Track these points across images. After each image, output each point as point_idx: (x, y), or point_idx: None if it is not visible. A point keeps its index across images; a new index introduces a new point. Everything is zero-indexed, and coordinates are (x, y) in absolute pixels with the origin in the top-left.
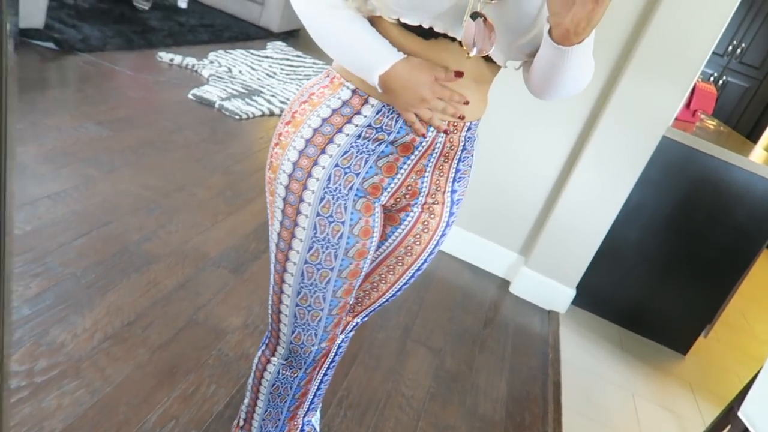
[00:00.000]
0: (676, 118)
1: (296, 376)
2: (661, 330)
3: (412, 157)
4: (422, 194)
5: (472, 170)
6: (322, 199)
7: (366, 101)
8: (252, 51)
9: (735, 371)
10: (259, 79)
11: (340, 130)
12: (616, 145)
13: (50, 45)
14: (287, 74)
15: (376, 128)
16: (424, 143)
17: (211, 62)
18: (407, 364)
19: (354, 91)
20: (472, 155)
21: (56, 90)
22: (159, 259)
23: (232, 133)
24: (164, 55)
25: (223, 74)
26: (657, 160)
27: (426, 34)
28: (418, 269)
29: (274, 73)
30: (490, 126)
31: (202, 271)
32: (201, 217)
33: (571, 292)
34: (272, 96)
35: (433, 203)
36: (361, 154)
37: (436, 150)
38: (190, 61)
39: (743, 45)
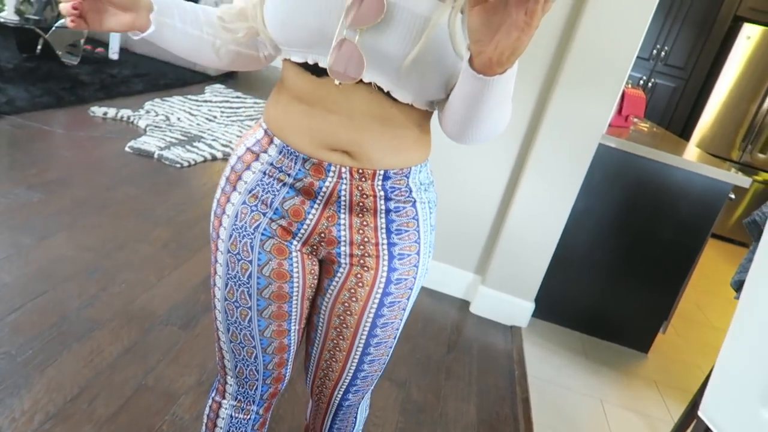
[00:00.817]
0: (610, 125)
1: (249, 418)
2: (621, 331)
3: (317, 202)
4: (342, 243)
5: (422, 223)
6: (230, 236)
7: (272, 141)
8: (189, 96)
9: (697, 364)
10: (198, 124)
11: (248, 167)
12: (556, 157)
13: None
14: (228, 116)
15: (277, 168)
16: (323, 189)
17: (148, 112)
18: (373, 400)
19: (265, 131)
20: (414, 207)
21: None
22: (102, 324)
23: (173, 183)
24: (97, 110)
25: (161, 123)
26: (597, 167)
27: (318, 71)
28: (371, 335)
29: (215, 117)
30: (433, 152)
31: (150, 332)
32: (145, 273)
33: (531, 306)
34: (213, 140)
35: (364, 255)
36: (266, 194)
37: (342, 197)
38: (125, 112)
39: (666, 48)
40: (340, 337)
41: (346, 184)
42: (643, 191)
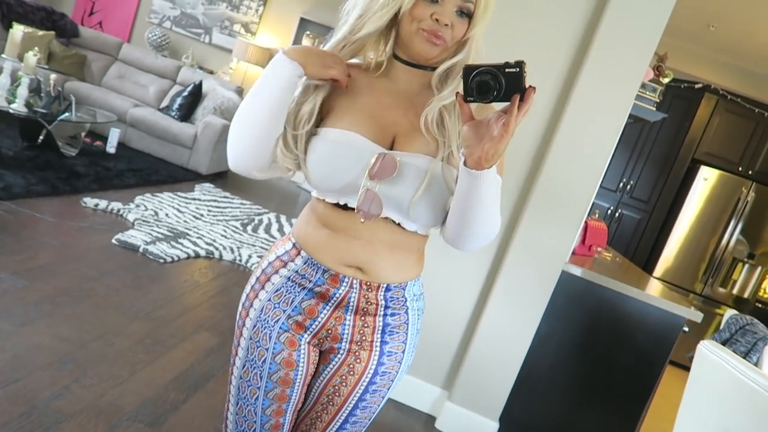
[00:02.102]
0: (574, 253)
1: None
2: None
3: (329, 305)
4: (344, 340)
5: (411, 327)
6: (254, 326)
7: (299, 253)
8: (179, 194)
9: None
10: (185, 221)
11: (276, 272)
12: (522, 281)
13: None
14: (214, 215)
15: (301, 275)
16: (337, 295)
17: (138, 206)
18: None
19: (294, 244)
20: (406, 313)
21: None
22: (70, 416)
23: (155, 278)
24: (89, 201)
25: (149, 218)
26: (560, 293)
27: (345, 208)
28: (351, 414)
29: (201, 215)
30: None
31: (117, 428)
32: (118, 368)
33: (495, 425)
34: (198, 238)
35: (359, 349)
36: (289, 294)
37: (351, 303)
38: (116, 205)
39: (632, 182)
40: (325, 411)
41: (355, 293)
42: (604, 318)
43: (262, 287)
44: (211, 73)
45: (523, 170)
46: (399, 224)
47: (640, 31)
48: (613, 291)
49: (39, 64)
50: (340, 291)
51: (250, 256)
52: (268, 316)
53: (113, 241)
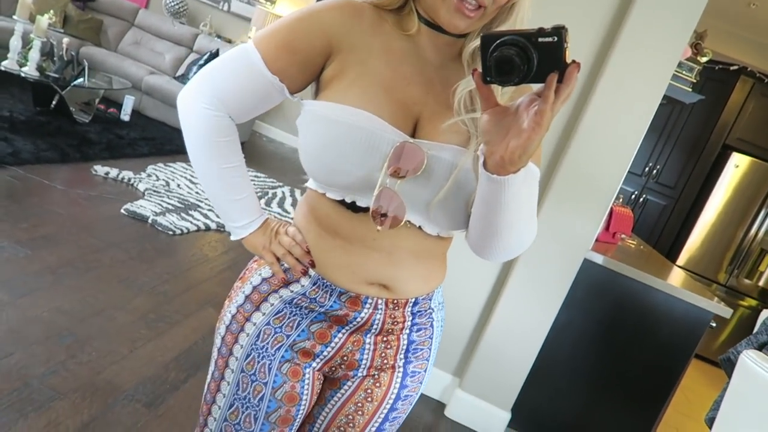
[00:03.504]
0: (598, 240)
1: None
2: None
3: (345, 328)
4: (362, 367)
5: (434, 341)
6: (248, 356)
7: (306, 271)
8: None
9: None
10: (197, 192)
11: (276, 291)
12: (542, 268)
13: None
14: None
15: (310, 299)
16: (358, 318)
17: (149, 176)
18: None
19: (297, 260)
20: (432, 326)
21: None
22: (64, 394)
23: (163, 250)
24: (99, 169)
25: (160, 188)
26: (581, 282)
27: (355, 208)
28: None
29: None
30: None
31: (113, 407)
32: (118, 344)
33: (507, 415)
34: (209, 210)
35: (380, 372)
36: (293, 315)
37: (374, 326)
38: (127, 174)
39: (658, 167)
40: None
41: (381, 314)
42: (626, 309)
43: (257, 308)
44: (229, 42)
45: (548, 151)
46: (420, 227)
47: (680, 4)
48: (637, 281)
49: (53, 27)
50: (362, 315)
51: None
52: (267, 344)
53: (122, 211)
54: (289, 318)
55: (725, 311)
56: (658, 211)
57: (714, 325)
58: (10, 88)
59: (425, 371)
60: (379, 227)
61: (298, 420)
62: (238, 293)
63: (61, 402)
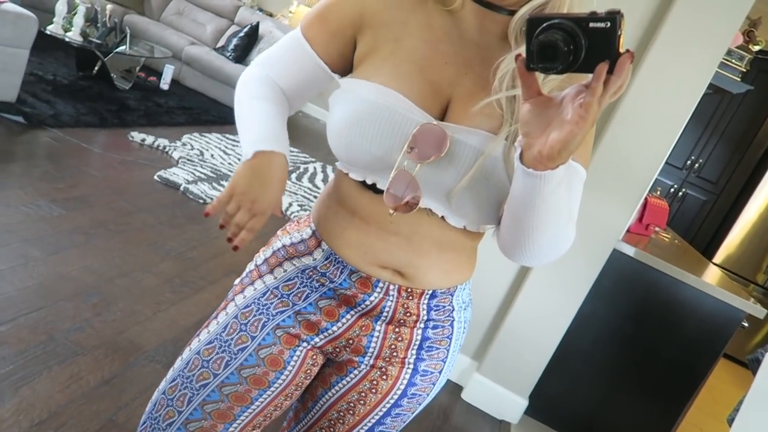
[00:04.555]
0: (630, 231)
1: None
2: None
3: (354, 311)
4: (368, 355)
5: (454, 343)
6: (246, 306)
7: (319, 245)
8: (228, 135)
9: None
10: (230, 163)
11: (290, 259)
12: (568, 256)
13: (19, 119)
14: None
15: (321, 272)
16: (367, 301)
17: (184, 144)
18: None
19: (314, 233)
20: (451, 326)
21: (15, 164)
22: (87, 350)
23: (192, 218)
24: (136, 135)
25: (194, 157)
26: (608, 272)
27: (375, 189)
28: None
29: None
30: None
31: (133, 366)
32: (142, 305)
33: (524, 402)
34: None
35: (388, 365)
36: (303, 287)
37: (384, 313)
38: (162, 142)
39: (701, 160)
40: (332, 428)
41: (392, 301)
42: (654, 303)
43: (271, 271)
44: (271, 15)
45: None
46: (443, 218)
47: None
48: (667, 275)
49: None
50: (372, 298)
51: (290, 204)
52: (271, 304)
53: (155, 177)
54: (299, 287)
55: (758, 310)
56: (698, 207)
57: (746, 325)
58: (55, 52)
59: (440, 373)
60: (391, 210)
61: (272, 388)
62: (260, 255)
63: (84, 357)
